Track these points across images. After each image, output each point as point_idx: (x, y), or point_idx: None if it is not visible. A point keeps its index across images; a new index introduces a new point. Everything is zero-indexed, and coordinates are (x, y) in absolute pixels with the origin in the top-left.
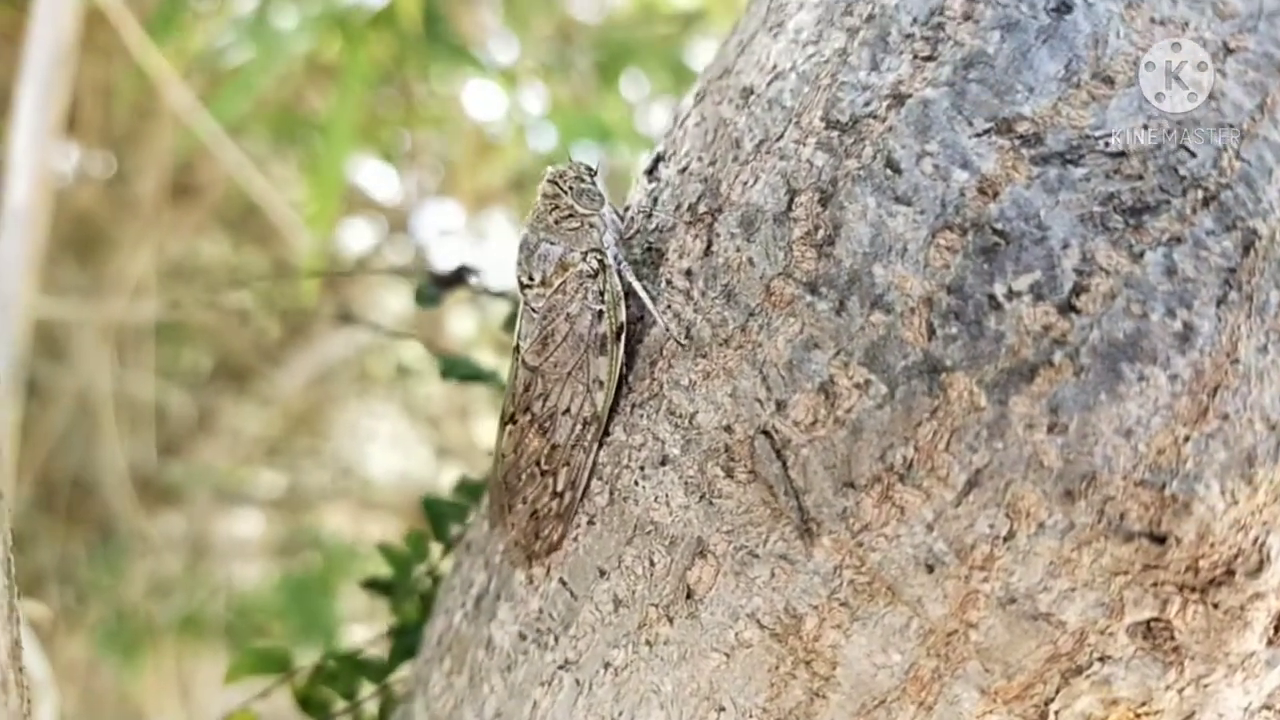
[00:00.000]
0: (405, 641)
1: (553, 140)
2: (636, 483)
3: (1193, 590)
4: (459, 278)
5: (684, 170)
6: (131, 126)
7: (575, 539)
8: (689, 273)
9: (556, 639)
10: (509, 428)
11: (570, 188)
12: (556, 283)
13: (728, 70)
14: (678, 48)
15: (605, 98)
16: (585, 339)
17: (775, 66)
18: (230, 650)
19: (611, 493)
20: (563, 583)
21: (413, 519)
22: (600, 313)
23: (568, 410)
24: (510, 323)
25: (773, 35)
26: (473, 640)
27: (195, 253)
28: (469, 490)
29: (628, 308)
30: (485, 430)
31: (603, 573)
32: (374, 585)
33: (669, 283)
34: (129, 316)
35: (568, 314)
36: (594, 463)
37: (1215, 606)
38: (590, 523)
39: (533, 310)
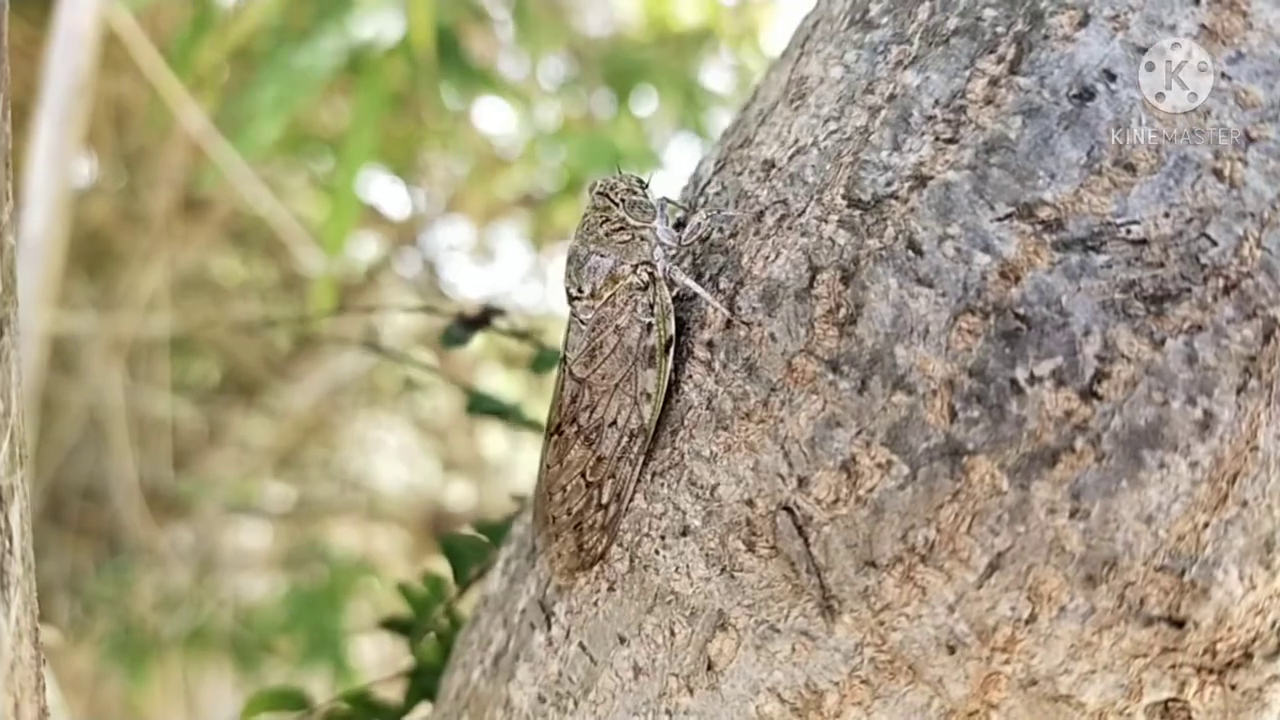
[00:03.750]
0: (421, 683)
1: (563, 158)
2: (657, 552)
3: (1210, 672)
4: (485, 319)
5: (705, 239)
6: (144, 141)
7: (595, 604)
8: (710, 344)
9: (576, 703)
10: (554, 439)
11: (622, 200)
12: (606, 295)
13: (748, 140)
14: (689, 68)
15: (617, 117)
16: (634, 351)
17: (797, 141)
18: (237, 663)
19: (632, 560)
20: (582, 647)
21: (419, 531)
22: (650, 325)
23: (614, 422)
24: (536, 365)
25: (794, 108)
26: (491, 699)
27: (206, 267)
28: (488, 530)
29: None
30: (492, 444)
31: (623, 640)
32: (392, 625)
33: (690, 353)
34: (140, 330)
35: (616, 326)
36: (639, 475)
37: (1233, 688)
38: (611, 589)
39: (581, 322)
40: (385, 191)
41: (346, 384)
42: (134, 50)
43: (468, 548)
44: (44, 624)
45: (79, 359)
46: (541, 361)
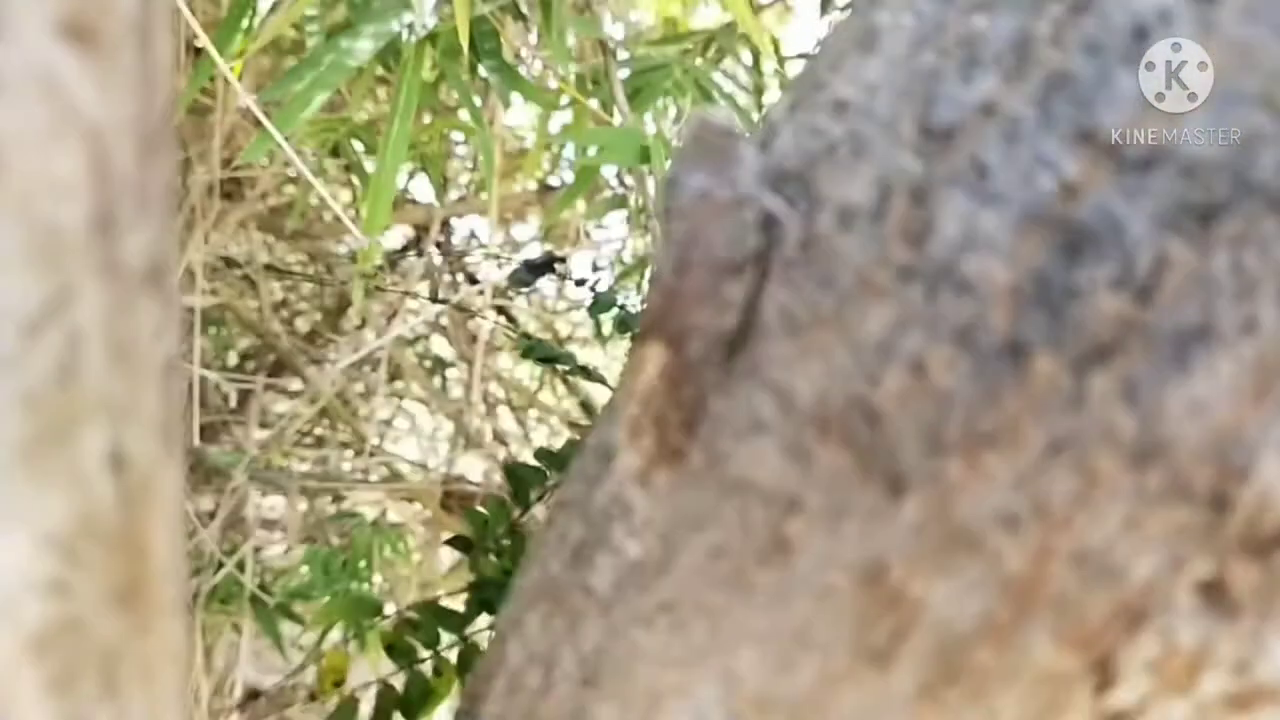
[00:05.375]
0: (482, 595)
1: (585, 152)
2: (734, 446)
3: (1250, 551)
4: (548, 265)
5: (782, 171)
6: (182, 121)
7: (674, 495)
8: (787, 261)
9: (655, 584)
10: (639, 343)
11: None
12: None
13: (820, 85)
14: (707, 67)
15: (636, 113)
16: None
17: (869, 81)
18: (257, 625)
19: (709, 455)
20: (661, 535)
21: (436, 505)
22: None
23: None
24: (595, 316)
25: (865, 54)
26: (570, 585)
27: (240, 245)
28: (549, 458)
29: None
30: (508, 422)
31: (700, 525)
32: (455, 543)
33: (767, 268)
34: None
35: None
36: (720, 377)
37: (1270, 568)
38: (689, 481)
39: None
40: (411, 181)
41: (372, 359)
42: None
43: (529, 473)
44: None
45: None
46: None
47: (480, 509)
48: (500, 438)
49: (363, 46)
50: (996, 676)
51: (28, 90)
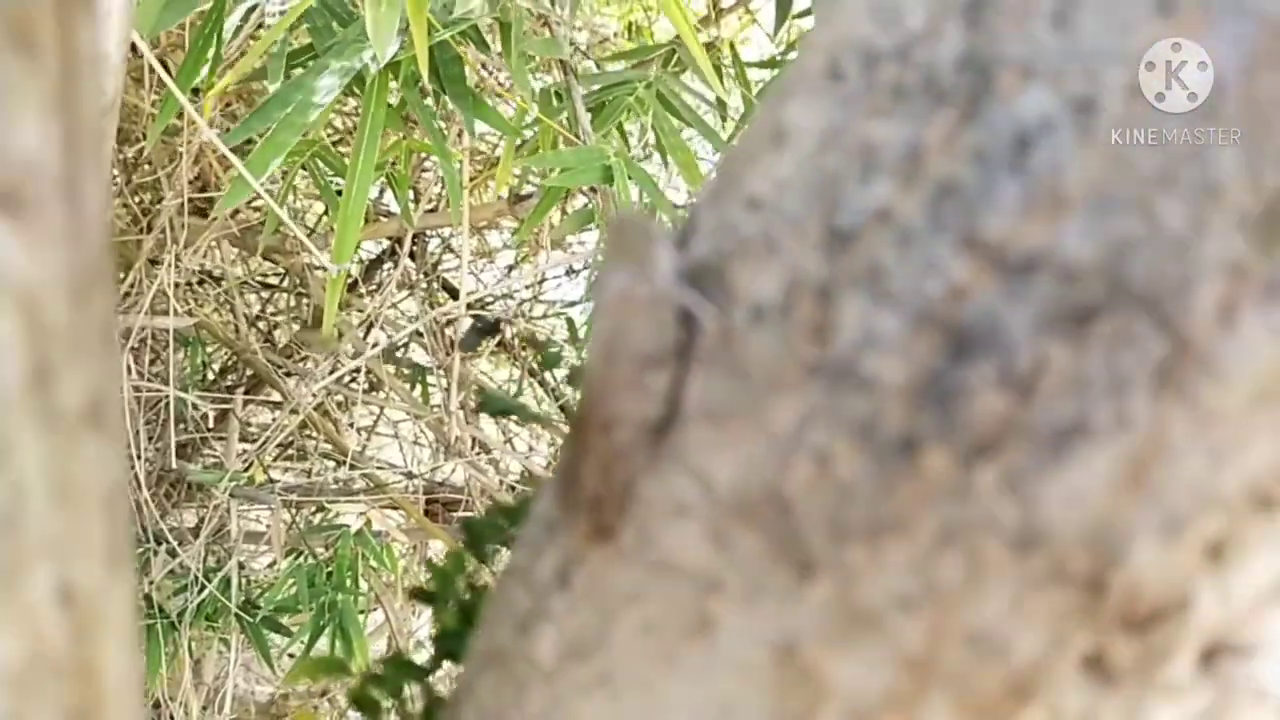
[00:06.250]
0: (445, 646)
1: (551, 170)
2: (661, 528)
3: (1127, 629)
4: (496, 328)
5: (701, 265)
6: (150, 150)
7: (608, 572)
8: (705, 355)
9: (593, 656)
10: (574, 426)
11: None
12: None
13: (735, 179)
14: (668, 81)
15: (600, 130)
16: None
17: (778, 177)
18: (245, 640)
19: (639, 535)
20: (597, 609)
21: (417, 514)
22: None
23: None
24: (546, 362)
25: (776, 151)
26: (517, 654)
27: (212, 264)
28: (504, 513)
29: None
30: (490, 430)
31: (632, 602)
32: (419, 595)
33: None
34: (147, 325)
35: None
36: (648, 463)
37: (1146, 643)
38: (621, 559)
39: None
40: (383, 195)
41: (349, 373)
42: (145, 61)
43: (486, 528)
44: None
45: None
46: (550, 358)
47: (441, 564)
48: (481, 444)
49: (328, 84)
50: None
51: None
